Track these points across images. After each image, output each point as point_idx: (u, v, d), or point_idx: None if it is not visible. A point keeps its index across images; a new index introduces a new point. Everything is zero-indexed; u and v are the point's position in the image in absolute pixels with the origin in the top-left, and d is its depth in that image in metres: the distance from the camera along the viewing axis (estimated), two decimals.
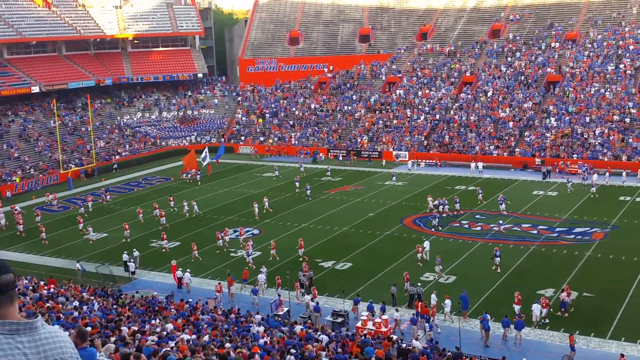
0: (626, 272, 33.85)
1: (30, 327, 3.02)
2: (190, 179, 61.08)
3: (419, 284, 32.17)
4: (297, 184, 55.37)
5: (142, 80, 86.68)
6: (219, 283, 33.08)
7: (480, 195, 49.50)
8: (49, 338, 3.05)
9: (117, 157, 70.47)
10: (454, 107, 71.94)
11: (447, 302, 29.35)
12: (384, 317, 28.16)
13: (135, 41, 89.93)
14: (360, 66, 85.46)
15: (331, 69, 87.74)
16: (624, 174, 53.28)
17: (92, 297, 28.75)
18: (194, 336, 20.76)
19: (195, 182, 60.00)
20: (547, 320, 28.30)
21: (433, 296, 30.00)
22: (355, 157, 68.44)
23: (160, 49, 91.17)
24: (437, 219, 43.61)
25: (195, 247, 39.08)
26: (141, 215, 47.38)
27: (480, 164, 59.37)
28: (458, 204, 47.00)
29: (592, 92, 67.25)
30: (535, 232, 41.55)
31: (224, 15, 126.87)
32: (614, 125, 62.16)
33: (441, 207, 46.40)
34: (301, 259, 37.15)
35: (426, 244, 37.70)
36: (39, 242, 43.48)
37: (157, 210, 47.41)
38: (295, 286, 32.45)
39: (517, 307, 28.56)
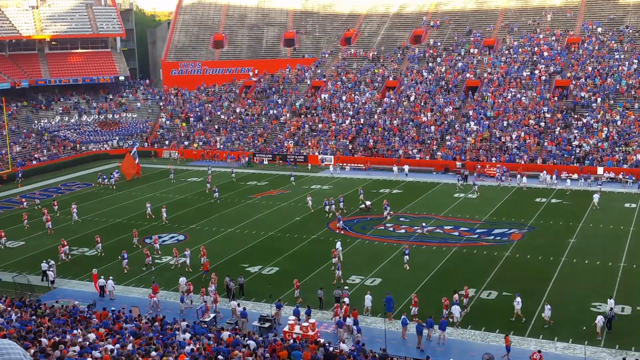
0: (543, 272, 35.18)
1: None
2: (113, 184, 59.74)
3: (346, 287, 32.49)
4: (208, 186, 55.83)
5: (60, 83, 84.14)
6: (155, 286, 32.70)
7: (361, 195, 51.04)
8: None
9: (35, 162, 68.11)
10: (378, 111, 73.02)
11: (368, 297, 30.29)
12: (311, 320, 28.31)
13: (53, 42, 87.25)
14: (286, 70, 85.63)
15: (256, 72, 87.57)
16: (541, 175, 55.48)
17: (10, 308, 27.73)
18: (117, 345, 20.32)
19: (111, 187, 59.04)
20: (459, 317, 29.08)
21: (368, 297, 30.45)
22: (280, 162, 68.50)
23: (80, 50, 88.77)
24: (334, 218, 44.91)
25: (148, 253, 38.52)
26: (26, 221, 46.62)
27: (406, 167, 60.45)
28: (342, 203, 49.01)
29: (509, 97, 69.57)
30: (456, 233, 42.63)
31: (145, 17, 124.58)
32: (529, 129, 64.49)
33: (327, 207, 47.93)
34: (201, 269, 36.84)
35: (338, 244, 38.11)
36: None
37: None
38: (201, 292, 32.21)
39: (465, 300, 29.99)
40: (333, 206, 48.06)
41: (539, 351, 24.40)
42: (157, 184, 60.09)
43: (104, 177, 60.88)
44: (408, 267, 36.10)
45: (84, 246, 41.92)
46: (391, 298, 30.02)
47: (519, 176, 55.61)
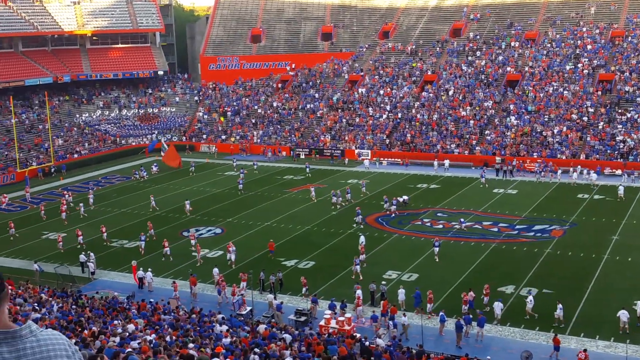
0: (584, 269, 34.48)
1: (12, 336, 2.83)
2: (144, 176, 60.69)
3: (383, 282, 32.28)
4: (241, 184, 55.08)
5: (101, 78, 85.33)
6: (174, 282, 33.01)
7: (364, 188, 51.38)
8: (35, 348, 2.84)
9: (76, 155, 69.24)
10: (416, 105, 72.43)
11: (401, 291, 30.32)
12: (347, 315, 28.19)
13: (94, 38, 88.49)
14: (323, 64, 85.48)
15: (293, 66, 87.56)
16: (584, 171, 54.26)
17: (51, 298, 28.21)
18: (154, 336, 20.47)
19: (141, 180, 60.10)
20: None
21: (401, 291, 30.28)
22: (317, 156, 68.42)
23: (120, 45, 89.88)
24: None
25: (166, 244, 38.86)
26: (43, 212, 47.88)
27: (446, 162, 59.81)
28: (349, 195, 49.83)
29: (551, 91, 68.37)
30: (495, 229, 42.04)
31: (184, 12, 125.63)
32: (572, 124, 63.29)
33: (334, 198, 48.29)
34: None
35: (362, 238, 37.95)
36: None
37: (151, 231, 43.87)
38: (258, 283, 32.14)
39: (485, 299, 29.53)
40: (340, 198, 48.55)
41: (585, 350, 23.85)
42: (194, 178, 60.49)
43: (136, 172, 61.41)
44: (438, 259, 36.15)
45: (124, 238, 42.41)
46: (419, 293, 29.80)
47: (571, 170, 54.31)
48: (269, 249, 38.10)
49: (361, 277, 33.70)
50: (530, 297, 28.95)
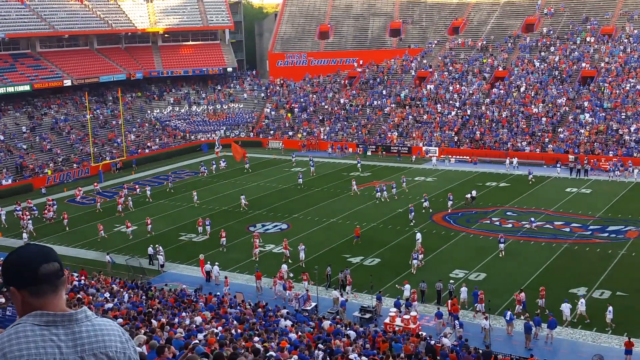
0: None
1: (69, 319, 2.88)
2: (205, 172, 61.78)
3: (451, 281, 31.77)
4: (300, 180, 55.26)
5: (172, 74, 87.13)
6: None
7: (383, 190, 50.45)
8: (90, 332, 2.90)
9: (147, 150, 70.93)
10: (486, 102, 71.08)
11: (407, 286, 30.57)
12: (412, 313, 27.88)
13: (166, 35, 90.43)
14: (391, 61, 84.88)
15: (361, 63, 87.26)
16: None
17: (122, 289, 28.94)
18: (220, 329, 20.72)
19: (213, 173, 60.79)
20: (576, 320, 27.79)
21: (463, 289, 29.91)
22: (384, 153, 67.98)
23: (190, 42, 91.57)
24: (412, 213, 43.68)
25: (224, 234, 39.53)
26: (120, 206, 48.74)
27: (515, 160, 58.63)
28: (394, 189, 50.44)
29: (628, 88, 65.94)
30: (568, 230, 40.83)
31: (253, 9, 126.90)
32: None
33: (378, 193, 49.13)
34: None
35: (418, 235, 37.79)
36: (69, 234, 44.03)
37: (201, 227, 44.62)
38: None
39: (540, 302, 28.77)
40: (385, 192, 49.09)
41: None
42: (261, 174, 61.02)
43: (205, 166, 62.52)
44: (503, 254, 35.93)
45: (192, 232, 43.14)
46: (477, 292, 29.33)
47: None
48: (355, 234, 39.71)
49: (413, 272, 33.99)
50: (583, 300, 28.14)
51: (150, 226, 42.98)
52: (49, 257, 2.93)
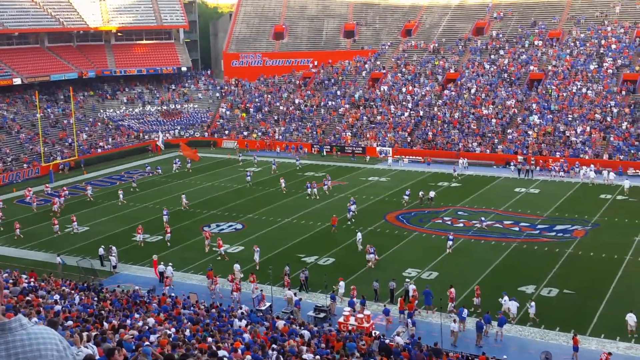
0: (606, 270, 34.19)
1: (2, 328, 2.83)
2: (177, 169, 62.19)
3: (407, 279, 32.21)
4: (249, 178, 56.21)
5: (125, 73, 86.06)
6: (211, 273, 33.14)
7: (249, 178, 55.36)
8: (25, 340, 2.83)
9: (100, 150, 69.96)
10: (438, 103, 72.15)
11: (341, 283, 31.36)
12: (366, 312, 28.24)
13: (119, 34, 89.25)
14: (345, 62, 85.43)
15: (315, 64, 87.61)
16: (605, 172, 53.78)
17: (73, 291, 28.57)
18: (173, 330, 20.68)
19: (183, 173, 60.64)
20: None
21: (411, 286, 30.35)
22: (339, 153, 68.45)
23: (144, 41, 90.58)
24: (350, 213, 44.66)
25: (168, 230, 40.14)
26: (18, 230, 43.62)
27: (464, 160, 59.74)
28: (327, 185, 51.92)
29: (575, 91, 67.74)
30: (517, 229, 41.81)
31: (208, 9, 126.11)
32: (595, 124, 62.67)
33: (309, 189, 50.77)
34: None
35: (358, 235, 38.80)
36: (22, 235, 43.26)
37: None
38: (285, 282, 32.01)
39: (476, 300, 29.47)
40: (315, 189, 50.74)
41: (610, 353, 23.49)
42: (215, 174, 60.81)
43: (149, 167, 62.38)
44: (450, 251, 36.89)
45: (145, 233, 42.78)
46: (430, 292, 29.82)
47: (605, 172, 53.67)
48: (332, 223, 41.83)
49: (372, 266, 34.92)
50: (532, 303, 28.58)
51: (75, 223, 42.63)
52: None
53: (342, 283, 31.49)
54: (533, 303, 28.28)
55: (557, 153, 60.28)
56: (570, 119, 64.37)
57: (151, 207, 49.58)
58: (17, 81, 74.15)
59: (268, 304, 30.30)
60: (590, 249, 37.48)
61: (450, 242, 37.34)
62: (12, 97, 75.39)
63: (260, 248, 36.88)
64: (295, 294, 30.63)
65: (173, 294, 30.51)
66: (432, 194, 48.90)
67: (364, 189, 53.28)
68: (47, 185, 56.19)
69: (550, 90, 68.94)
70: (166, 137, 75.36)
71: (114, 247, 37.62)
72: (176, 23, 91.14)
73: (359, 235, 38.87)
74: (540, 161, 59.09)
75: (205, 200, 50.53)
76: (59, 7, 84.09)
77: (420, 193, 48.52)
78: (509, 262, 36.05)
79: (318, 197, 50.30)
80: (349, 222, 43.53)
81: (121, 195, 50.94)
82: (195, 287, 33.03)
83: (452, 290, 29.67)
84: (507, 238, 39.94)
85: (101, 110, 79.66)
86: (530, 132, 63.99)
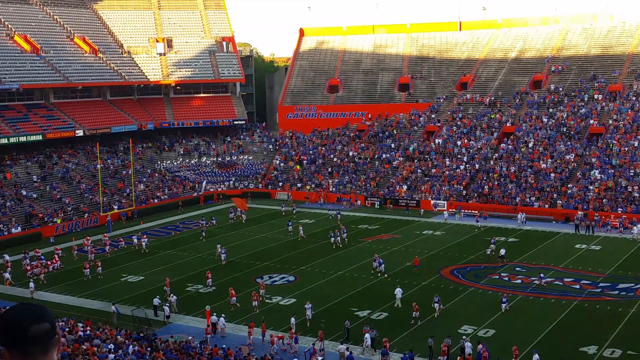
0: None
1: None
2: (235, 217, 63.13)
3: (464, 337, 31.28)
4: (290, 228, 56.70)
5: (182, 125, 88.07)
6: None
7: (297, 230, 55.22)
8: None
9: (156, 200, 71.17)
10: (494, 157, 71.29)
11: (367, 335, 30.80)
12: None
13: (178, 87, 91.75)
14: (399, 115, 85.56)
15: (369, 117, 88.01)
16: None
17: (127, 340, 28.67)
18: None
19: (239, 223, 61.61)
20: None
21: (468, 344, 29.46)
22: (392, 206, 67.93)
23: (202, 95, 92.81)
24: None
25: (233, 293, 38.75)
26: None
27: (522, 215, 58.44)
28: (345, 234, 52.95)
29: (636, 145, 66.07)
30: (577, 286, 40.40)
31: (264, 62, 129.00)
32: None
33: (332, 238, 51.26)
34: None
35: (397, 290, 37.71)
36: (77, 283, 43.86)
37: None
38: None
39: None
40: (339, 238, 51.55)
41: None
42: (269, 225, 60.98)
43: (204, 219, 61.85)
44: (505, 310, 35.94)
45: (199, 283, 42.91)
46: (412, 355, 28.80)
47: None
48: (415, 264, 43.68)
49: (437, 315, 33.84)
50: (537, 356, 27.87)
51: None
52: (41, 317, 2.90)
53: (367, 335, 30.96)
54: (537, 357, 27.60)
55: (619, 209, 58.49)
56: (632, 174, 62.63)
57: (204, 257, 49.81)
58: (80, 133, 76.55)
59: (320, 359, 29.76)
60: None
61: (504, 305, 36.03)
62: (74, 148, 77.76)
63: (312, 303, 36.35)
64: (347, 348, 30.05)
65: (224, 346, 30.28)
66: (502, 251, 46.60)
67: (418, 242, 52.52)
68: (105, 234, 57.17)
69: (611, 145, 67.41)
70: (221, 188, 76.22)
71: (174, 296, 37.80)
72: (233, 77, 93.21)
73: (398, 290, 37.92)
74: (602, 217, 57.38)
75: (258, 252, 50.50)
76: (121, 62, 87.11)
77: (489, 250, 47.16)
78: (569, 321, 34.72)
79: (341, 246, 50.88)
80: (385, 275, 43.12)
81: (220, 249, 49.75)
82: (246, 339, 32.69)
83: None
84: (568, 296, 38.58)
85: (158, 162, 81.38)
86: (591, 187, 62.44)
